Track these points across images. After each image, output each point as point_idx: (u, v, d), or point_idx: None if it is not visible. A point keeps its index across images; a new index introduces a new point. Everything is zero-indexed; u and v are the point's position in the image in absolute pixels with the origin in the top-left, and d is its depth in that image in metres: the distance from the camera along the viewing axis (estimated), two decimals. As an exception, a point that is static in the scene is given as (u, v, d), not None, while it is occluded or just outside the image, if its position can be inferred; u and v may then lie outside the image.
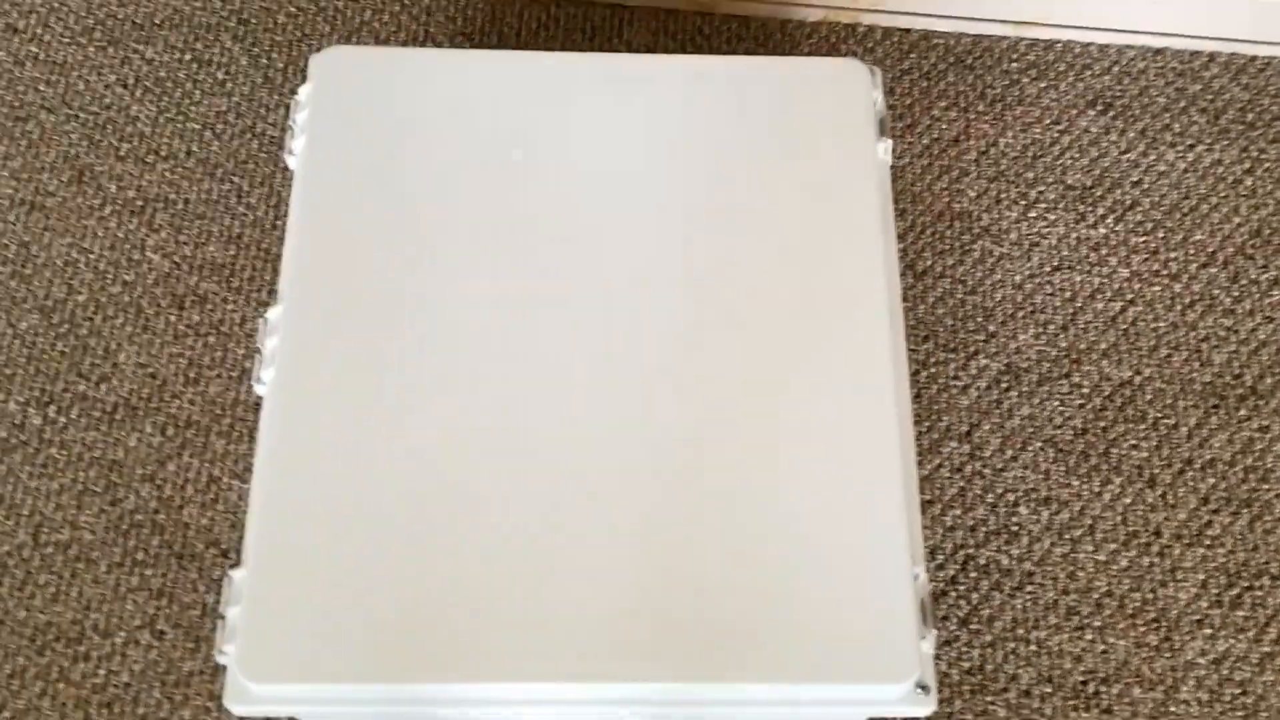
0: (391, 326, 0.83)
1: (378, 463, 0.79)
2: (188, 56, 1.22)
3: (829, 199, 0.90)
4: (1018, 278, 1.17)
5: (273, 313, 0.85)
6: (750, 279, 0.87)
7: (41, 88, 1.20)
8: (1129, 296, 1.16)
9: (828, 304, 0.86)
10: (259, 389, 0.83)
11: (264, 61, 1.22)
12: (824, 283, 0.87)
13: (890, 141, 0.94)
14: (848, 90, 0.95)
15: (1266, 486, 1.08)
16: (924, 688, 0.77)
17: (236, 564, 0.78)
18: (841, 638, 0.76)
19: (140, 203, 1.15)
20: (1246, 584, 1.04)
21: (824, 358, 0.84)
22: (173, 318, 1.10)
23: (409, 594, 0.75)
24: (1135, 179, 1.21)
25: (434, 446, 0.80)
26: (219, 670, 0.97)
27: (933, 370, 1.12)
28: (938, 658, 1.00)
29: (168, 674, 0.97)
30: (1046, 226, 1.19)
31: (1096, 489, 1.08)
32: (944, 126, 1.23)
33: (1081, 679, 1.01)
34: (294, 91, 1.20)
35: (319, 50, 0.99)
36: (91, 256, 1.12)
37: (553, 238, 0.87)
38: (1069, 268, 1.17)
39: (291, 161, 0.92)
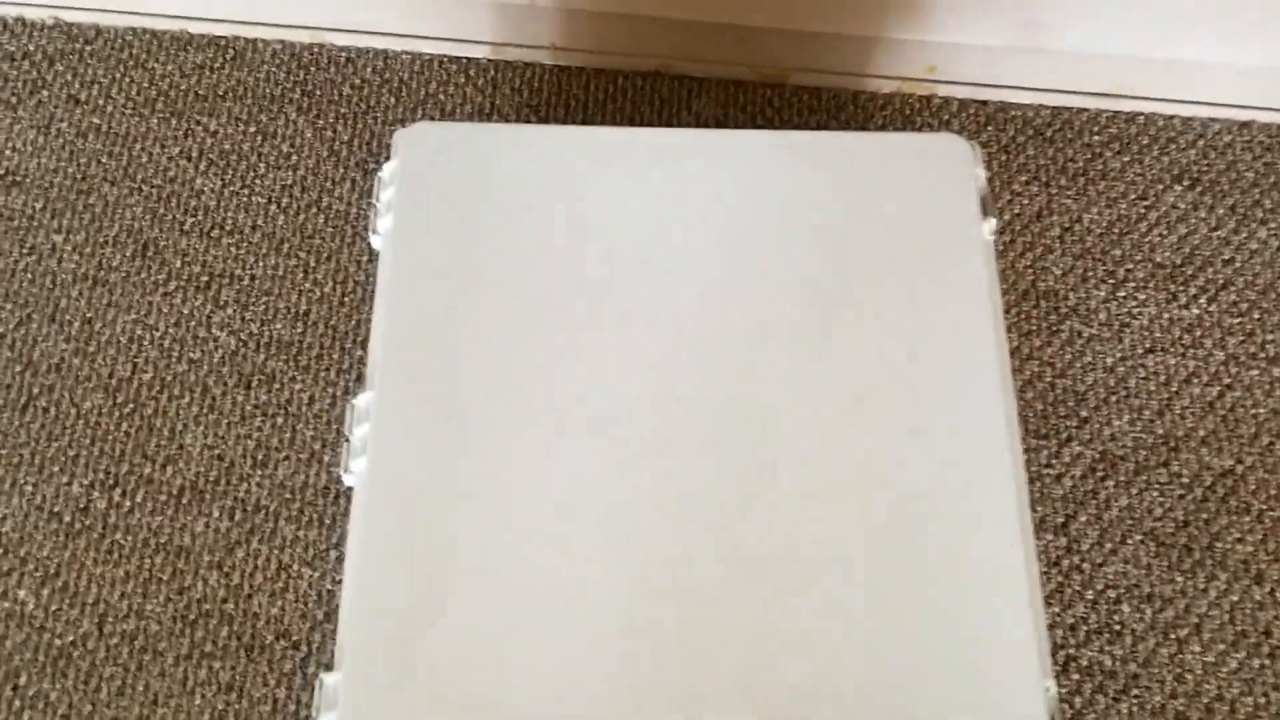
0: (486, 411, 0.80)
1: (477, 557, 0.75)
2: (252, 129, 1.20)
3: (936, 279, 0.86)
4: (1109, 360, 1.13)
5: (361, 399, 0.81)
6: (858, 363, 0.83)
7: (104, 160, 1.17)
8: (1226, 381, 1.12)
9: (942, 388, 0.82)
10: (348, 479, 0.79)
11: (329, 134, 1.20)
12: (936, 369, 0.83)
13: (994, 220, 0.91)
14: (950, 166, 0.91)
15: (1382, 582, 1.04)
16: (1058, 807, 0.72)
17: (314, 657, 0.74)
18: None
19: (205, 278, 1.12)
20: (1366, 686, 1.00)
21: (940, 448, 0.80)
22: (239, 397, 1.07)
23: (513, 699, 0.71)
24: (1226, 257, 1.18)
25: (534, 537, 0.76)
26: (290, 771, 0.93)
27: (1025, 458, 1.08)
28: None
29: (237, 775, 0.93)
30: (1136, 306, 1.15)
31: (1201, 585, 1.03)
32: (1025, 201, 1.20)
33: (1194, 787, 0.96)
34: (360, 165, 1.18)
35: (388, 124, 0.96)
36: (156, 333, 1.09)
37: (648, 318, 0.84)
38: (1162, 350, 1.14)
39: (376, 241, 0.89)
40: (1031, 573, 0.78)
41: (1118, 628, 1.01)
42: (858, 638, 0.74)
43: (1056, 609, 1.02)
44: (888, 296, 0.85)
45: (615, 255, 0.86)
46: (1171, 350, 1.14)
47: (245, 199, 1.16)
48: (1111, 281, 1.17)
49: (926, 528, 0.78)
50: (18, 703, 0.94)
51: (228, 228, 1.15)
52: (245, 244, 1.14)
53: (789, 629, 0.74)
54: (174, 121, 1.20)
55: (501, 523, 0.76)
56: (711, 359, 0.83)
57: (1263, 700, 0.98)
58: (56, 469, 1.03)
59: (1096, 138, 1.24)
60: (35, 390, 1.06)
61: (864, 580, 0.76)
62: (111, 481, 1.03)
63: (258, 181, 1.17)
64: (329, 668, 0.73)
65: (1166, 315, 1.15)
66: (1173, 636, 1.01)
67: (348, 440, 0.80)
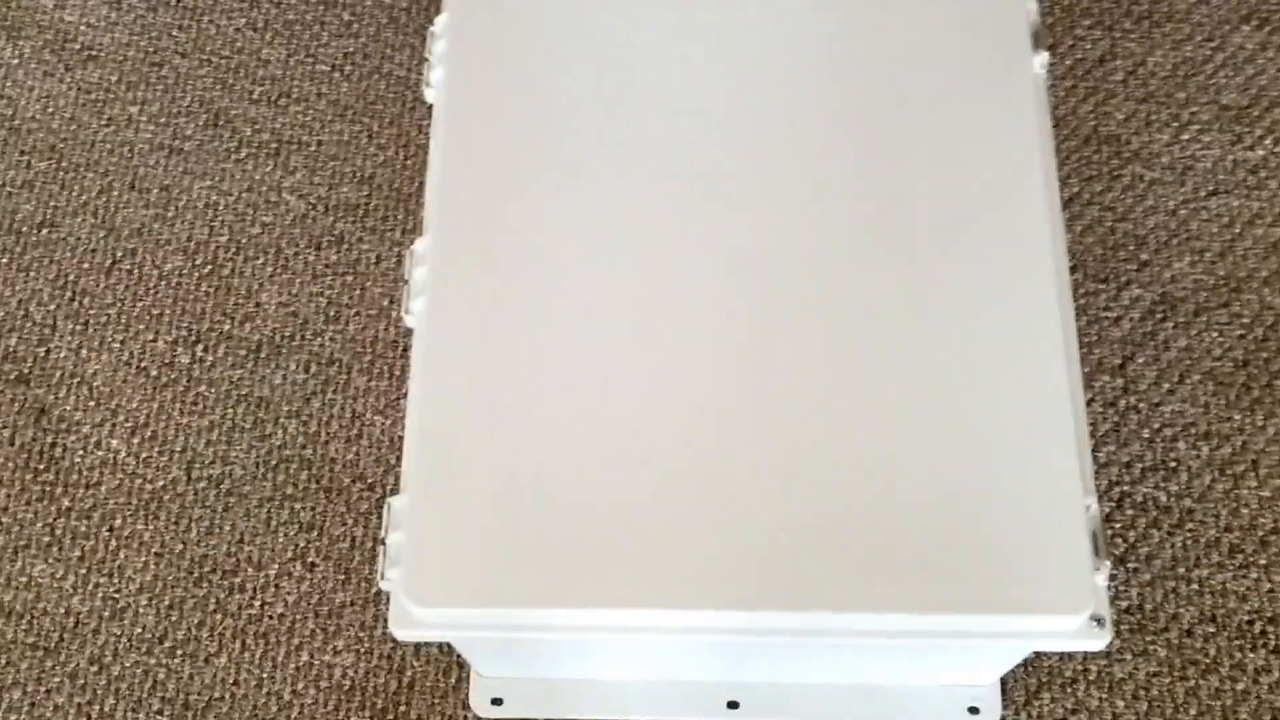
0: (539, 251, 0.82)
1: (531, 387, 0.78)
2: (315, -2, 1.22)
3: (985, 113, 0.86)
4: (1171, 203, 1.12)
5: (419, 243, 0.84)
6: (905, 197, 0.84)
7: (174, 33, 1.21)
8: (1291, 221, 1.11)
9: (987, 223, 0.83)
10: (408, 319, 0.83)
11: (388, 1, 1.22)
12: (982, 201, 0.84)
13: (1046, 54, 0.90)
14: (1001, 1, 0.91)
15: None
16: (1098, 620, 0.75)
17: (395, 491, 0.78)
18: (1013, 569, 0.74)
19: (275, 145, 1.16)
20: None
21: (986, 279, 0.81)
22: (310, 258, 1.11)
23: (569, 518, 0.74)
24: (1295, 97, 1.16)
25: (587, 368, 0.79)
26: (370, 601, 0.98)
27: (1082, 301, 1.08)
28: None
29: (320, 605, 0.98)
30: (1201, 149, 1.14)
31: (1260, 423, 1.04)
32: (1088, 46, 1.19)
33: (1247, 618, 0.97)
34: (419, 31, 1.20)
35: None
36: (230, 199, 1.13)
37: (701, 154, 0.85)
38: (1226, 192, 1.12)
39: (430, 94, 0.91)
40: (1076, 399, 0.79)
41: (1173, 465, 1.02)
42: (898, 455, 0.77)
43: (1112, 447, 1.03)
44: (934, 129, 0.86)
45: (666, 99, 0.88)
46: (1235, 192, 1.13)
47: (310, 67, 1.19)
48: (1175, 125, 1.15)
49: (974, 357, 0.79)
50: (114, 543, 1.00)
51: (294, 95, 1.18)
52: (311, 111, 1.17)
53: (836, 458, 0.77)
54: (240, -7, 1.23)
55: (554, 355, 0.79)
56: (760, 201, 0.85)
57: (1318, 533, 0.99)
58: (142, 326, 1.08)
59: (1163, -21, 1.21)
60: (119, 254, 1.11)
61: (909, 404, 0.78)
62: (194, 337, 1.07)
63: (321, 50, 1.20)
64: (395, 493, 0.77)
65: (1231, 157, 1.14)
66: (1229, 473, 1.02)
67: (406, 282, 0.83)
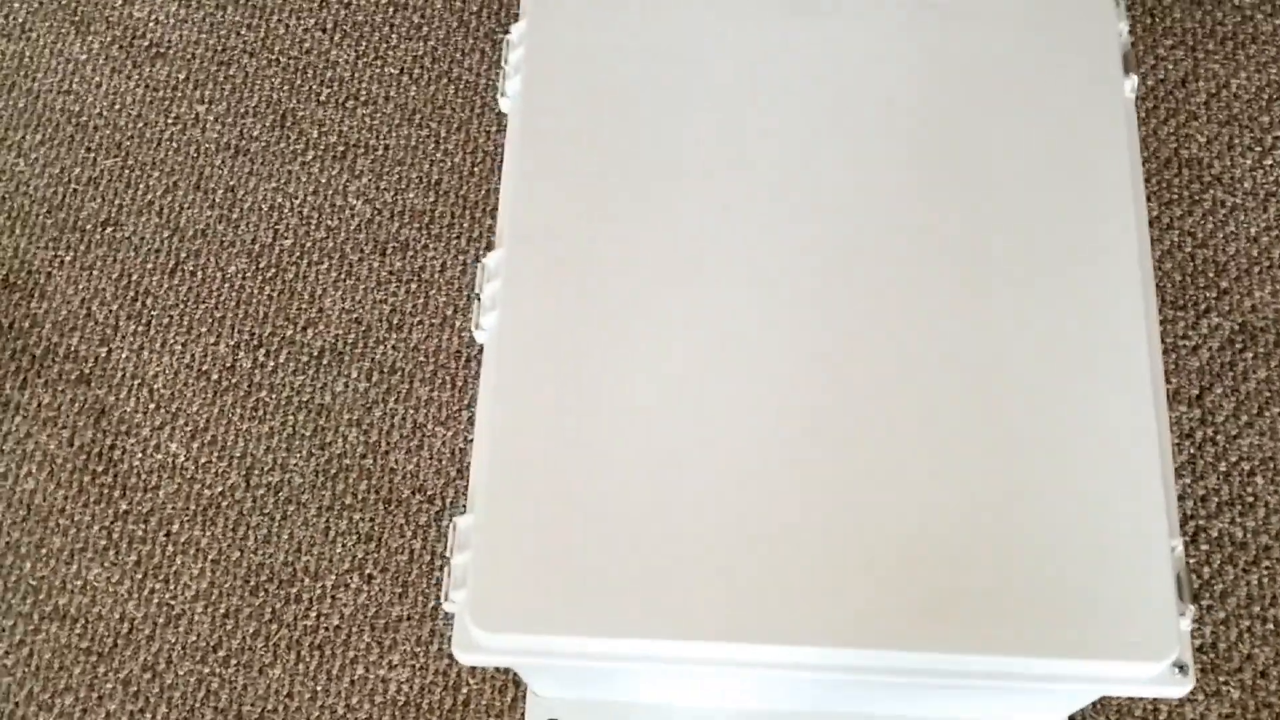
0: (615, 269, 0.80)
1: (603, 410, 0.76)
2: (384, 0, 1.21)
3: (1074, 136, 0.84)
4: (1253, 230, 1.09)
5: (491, 258, 0.83)
6: (993, 223, 0.82)
7: (243, 32, 1.20)
8: (1378, 252, 1.08)
9: (1076, 253, 0.81)
10: (480, 335, 0.81)
11: (459, 5, 1.20)
12: (1072, 229, 0.81)
13: (1135, 78, 0.88)
14: (1092, 22, 0.88)
15: None
16: (1181, 667, 0.72)
17: (461, 510, 0.76)
18: (1095, 611, 0.71)
19: (341, 148, 1.15)
20: None
21: (1073, 310, 0.79)
22: (375, 264, 1.10)
23: (638, 546, 0.73)
24: (1384, 124, 1.12)
25: (660, 392, 0.77)
26: (427, 616, 0.96)
27: (1160, 329, 1.05)
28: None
29: (377, 618, 0.97)
30: (1285, 176, 1.11)
31: (1343, 458, 1.01)
32: (1170, 66, 1.16)
33: (1325, 660, 0.95)
34: (489, 36, 1.19)
35: (521, -9, 0.96)
36: (295, 201, 1.12)
37: (781, 174, 0.83)
38: (1310, 220, 1.09)
39: (505, 104, 0.89)
40: (1163, 435, 0.77)
41: (1250, 500, 1.00)
42: (981, 492, 0.74)
43: (1188, 480, 1.00)
44: (1025, 153, 0.84)
45: (748, 112, 0.86)
46: (1320, 220, 1.10)
47: (379, 70, 1.18)
48: (1259, 149, 1.12)
49: (1058, 389, 0.77)
50: (170, 548, 1.00)
51: (362, 98, 1.17)
52: (379, 114, 1.16)
53: (914, 494, 0.75)
54: (309, -6, 1.22)
55: (627, 377, 0.77)
56: (840, 226, 0.82)
57: (1402, 576, 0.96)
58: (204, 330, 1.07)
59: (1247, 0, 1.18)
60: (183, 255, 1.10)
61: (990, 439, 0.76)
62: (256, 342, 1.07)
63: (390, 52, 1.19)
64: (461, 512, 0.76)
65: (1317, 184, 1.11)
66: (1309, 510, 0.99)
67: (478, 298, 0.82)
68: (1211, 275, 1.08)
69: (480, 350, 0.82)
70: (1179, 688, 0.72)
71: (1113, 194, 0.82)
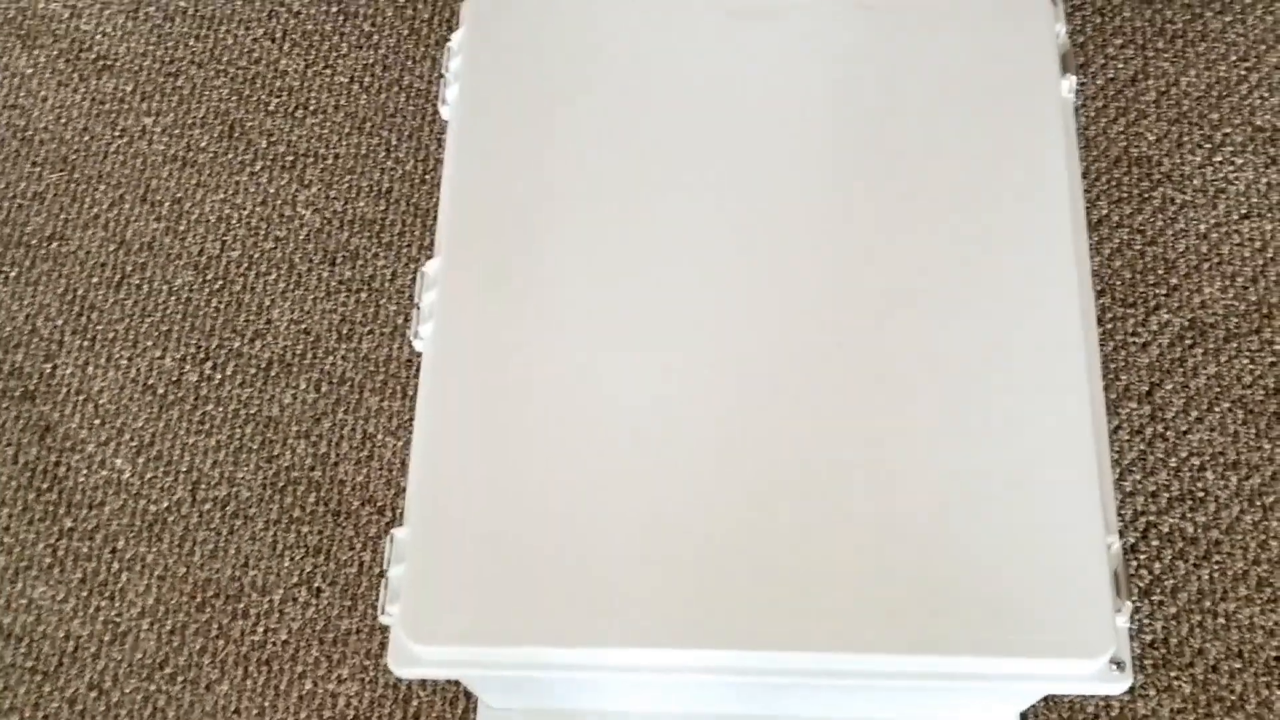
0: (551, 277, 0.80)
1: (538, 419, 0.76)
2: (333, 9, 1.21)
3: (1011, 138, 0.84)
4: (1202, 227, 1.09)
5: (430, 265, 0.83)
6: (929, 223, 0.82)
7: (191, 43, 1.19)
8: (1326, 246, 1.08)
9: (1010, 249, 0.81)
10: (418, 344, 0.81)
11: (409, 13, 1.20)
12: (1006, 230, 0.81)
13: (1074, 78, 0.88)
14: (1029, 23, 0.88)
15: None
16: (1119, 664, 0.72)
17: (397, 522, 0.76)
18: (1030, 610, 0.71)
19: (290, 158, 1.14)
20: None
21: (1009, 308, 0.79)
22: (324, 273, 1.09)
23: (572, 555, 0.72)
24: (1331, 119, 1.13)
25: (595, 401, 0.77)
26: (376, 629, 0.96)
27: (1109, 326, 1.06)
28: (1120, 630, 0.95)
29: (325, 632, 0.96)
30: (1233, 171, 1.11)
31: (1291, 452, 1.01)
32: (1119, 65, 1.16)
33: (1275, 654, 0.95)
34: (440, 43, 1.18)
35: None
36: (244, 212, 1.12)
37: (719, 179, 0.83)
38: (1259, 215, 1.10)
39: (445, 111, 0.89)
40: (1100, 433, 0.77)
41: (1201, 495, 1.00)
42: (914, 492, 0.74)
43: (1138, 476, 1.00)
44: (962, 153, 0.84)
45: (685, 117, 0.86)
46: (1269, 215, 1.10)
47: (328, 79, 1.18)
48: (1208, 146, 1.13)
49: (993, 389, 0.77)
50: (116, 565, 0.99)
51: (311, 107, 1.16)
52: (328, 123, 1.16)
53: (850, 496, 0.75)
54: (257, 3, 1.21)
55: (562, 386, 0.77)
56: (777, 227, 0.82)
57: (1351, 569, 0.96)
58: (150, 343, 1.07)
59: (1196, -2, 1.19)
60: (129, 268, 1.10)
61: (926, 440, 0.76)
62: (202, 355, 1.06)
63: (340, 61, 1.18)
64: (397, 524, 0.76)
65: (1265, 180, 1.11)
66: (1258, 504, 0.99)
67: (417, 306, 0.82)
68: (1161, 272, 1.08)
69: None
70: (1116, 685, 0.72)
71: (1049, 192, 0.82)
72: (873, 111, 0.85)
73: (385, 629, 0.95)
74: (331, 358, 1.06)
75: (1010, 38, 0.87)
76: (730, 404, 0.76)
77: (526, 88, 0.87)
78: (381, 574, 0.75)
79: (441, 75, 0.90)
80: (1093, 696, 0.93)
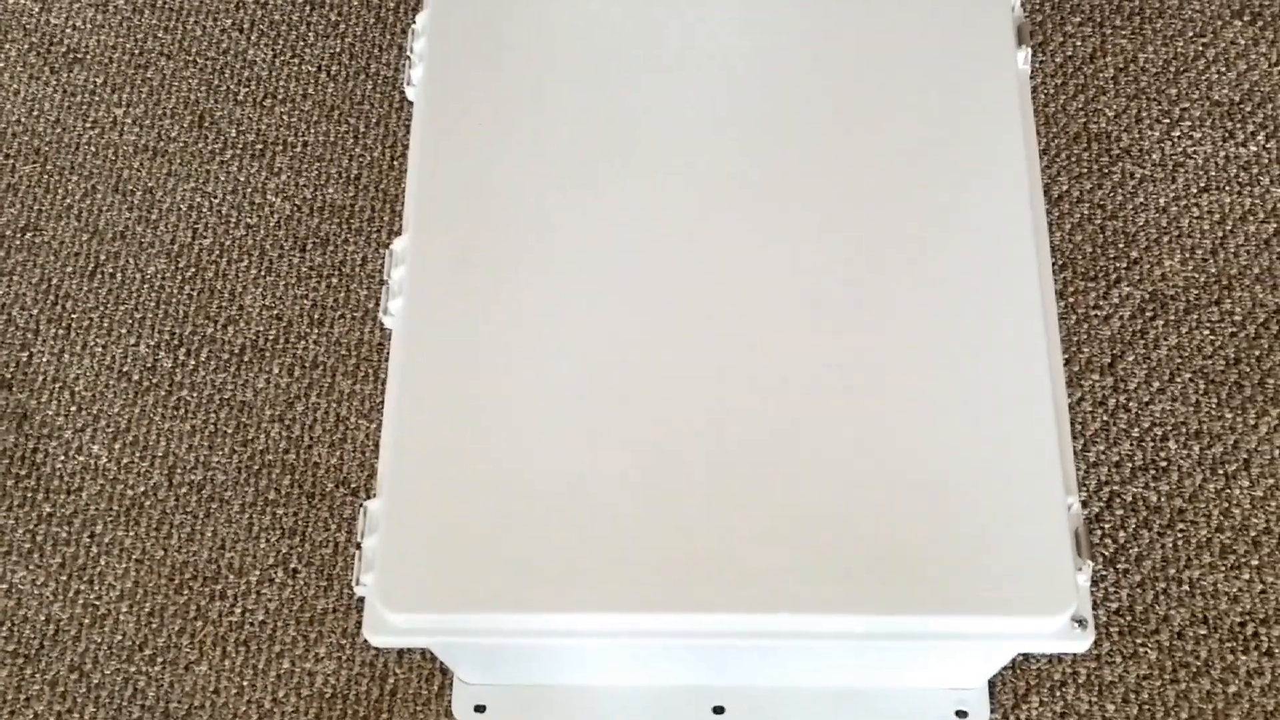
0: (518, 251, 0.81)
1: (507, 389, 0.77)
2: (301, -1, 1.21)
3: (967, 109, 0.85)
4: (1161, 200, 1.11)
5: (398, 243, 0.84)
6: (886, 195, 0.83)
7: (160, 35, 1.20)
8: (1283, 217, 1.10)
9: (968, 221, 0.82)
10: (387, 320, 0.82)
11: (375, 1, 1.21)
12: (963, 199, 0.83)
13: (1029, 50, 0.90)
14: (985, -2, 0.90)
15: None
16: (1080, 622, 0.74)
17: (371, 495, 0.77)
18: (993, 569, 0.73)
19: (260, 146, 1.15)
20: None
21: (967, 278, 0.80)
22: (295, 259, 1.10)
23: (545, 522, 0.74)
24: (1287, 93, 1.15)
25: (564, 370, 0.78)
26: (352, 608, 0.97)
27: (1071, 300, 1.07)
28: (1085, 595, 0.97)
29: (302, 611, 0.97)
30: (1192, 146, 1.13)
31: (1252, 421, 1.03)
32: (1078, 43, 1.18)
33: (1239, 620, 0.96)
34: (405, 31, 1.19)
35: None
36: (215, 200, 1.13)
37: (681, 154, 0.84)
38: (1217, 188, 1.11)
39: (411, 92, 0.90)
40: (1058, 396, 0.79)
41: (1164, 464, 1.01)
42: (877, 455, 0.76)
43: (1102, 447, 1.02)
44: (916, 125, 0.85)
45: (646, 97, 0.87)
46: (1227, 189, 1.12)
47: (296, 67, 1.18)
48: (1166, 121, 1.14)
49: (950, 354, 0.79)
50: (94, 549, 1.00)
51: (280, 96, 1.17)
52: (297, 111, 1.16)
53: (814, 460, 0.76)
54: (226, -6, 1.22)
55: (531, 357, 0.78)
56: (740, 200, 0.84)
57: (1311, 532, 0.98)
58: (124, 331, 1.07)
59: (1154, -26, 1.20)
60: (102, 257, 1.10)
61: (888, 405, 0.77)
62: (176, 342, 1.07)
63: (307, 50, 1.19)
64: (371, 497, 0.77)
65: (1223, 153, 1.13)
66: (1220, 472, 1.01)
67: (385, 283, 0.83)
68: (1122, 246, 1.10)
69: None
70: (1079, 642, 0.74)
71: (1005, 163, 0.84)
72: (827, 84, 0.86)
73: (360, 608, 0.96)
74: (303, 342, 1.07)
75: (965, 9, 0.89)
76: (696, 371, 0.78)
77: (491, 67, 0.88)
78: (356, 546, 0.76)
79: (407, 57, 0.91)
80: (1059, 663, 0.94)
